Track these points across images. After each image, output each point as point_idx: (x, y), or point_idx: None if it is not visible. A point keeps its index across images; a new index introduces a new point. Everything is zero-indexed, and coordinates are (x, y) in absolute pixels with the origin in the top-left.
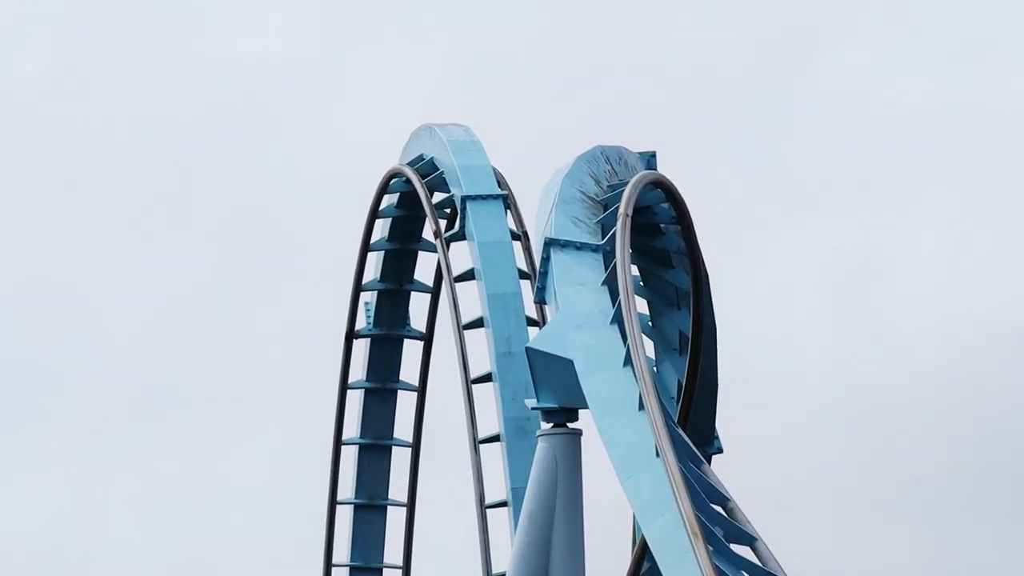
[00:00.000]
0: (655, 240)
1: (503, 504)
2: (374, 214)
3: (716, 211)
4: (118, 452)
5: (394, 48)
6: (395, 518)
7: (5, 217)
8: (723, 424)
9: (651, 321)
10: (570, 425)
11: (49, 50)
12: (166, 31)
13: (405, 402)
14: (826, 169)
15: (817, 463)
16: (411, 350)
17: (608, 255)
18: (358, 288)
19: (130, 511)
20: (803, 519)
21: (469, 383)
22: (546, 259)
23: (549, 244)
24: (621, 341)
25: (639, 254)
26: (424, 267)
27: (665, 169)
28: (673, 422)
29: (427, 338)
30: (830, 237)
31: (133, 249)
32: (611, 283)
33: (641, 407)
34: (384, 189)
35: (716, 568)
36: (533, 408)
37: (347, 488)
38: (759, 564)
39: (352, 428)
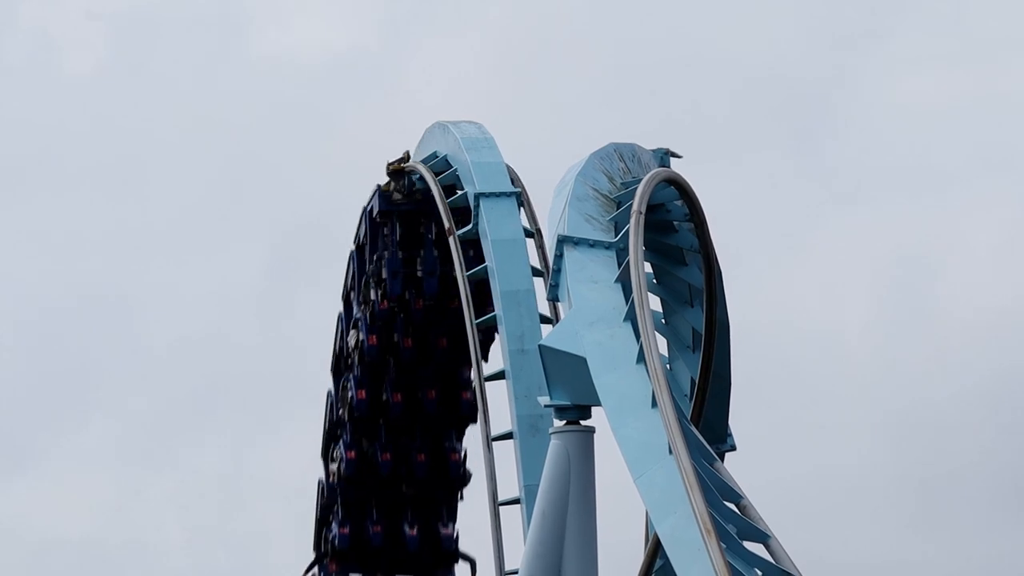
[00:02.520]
0: (668, 237)
1: (516, 501)
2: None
3: (759, 207)
4: (160, 448)
5: (408, 47)
6: None
7: (57, 214)
8: (738, 422)
9: (664, 318)
10: (583, 422)
11: (104, 48)
12: (219, 28)
13: None
14: (874, 164)
15: (840, 463)
16: None
17: (621, 252)
18: None
19: (171, 507)
20: (817, 517)
21: (482, 380)
22: (559, 256)
23: (562, 241)
24: (634, 338)
25: (652, 251)
26: None
27: (699, 165)
28: (686, 419)
29: None
30: (881, 233)
31: (182, 246)
32: (624, 280)
33: (654, 404)
34: None
35: (729, 565)
36: (546, 405)
37: None
38: (772, 562)
39: None
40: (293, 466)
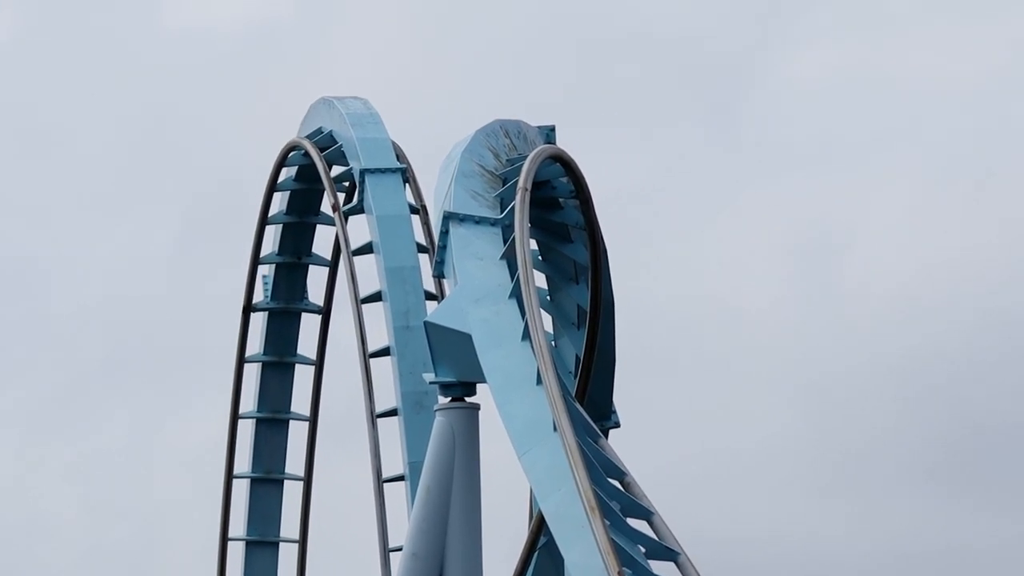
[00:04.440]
0: (554, 214)
1: (400, 478)
2: (272, 187)
3: (668, 180)
4: (63, 419)
5: (321, 19)
6: (292, 492)
7: None
8: (641, 398)
9: (549, 295)
10: (468, 399)
11: (15, 17)
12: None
13: (303, 376)
14: (784, 139)
15: (748, 439)
16: (309, 324)
17: (507, 229)
18: (256, 261)
19: (72, 481)
20: (718, 493)
21: (367, 357)
22: (445, 233)
23: (448, 218)
24: (519, 315)
25: (538, 228)
26: (322, 240)
27: (609, 137)
28: (571, 397)
29: (325, 312)
30: (789, 209)
31: (90, 212)
32: (510, 257)
33: (539, 382)
34: (282, 162)
35: (613, 542)
36: (431, 382)
37: (244, 462)
38: (655, 538)
39: (249, 402)
40: (200, 438)
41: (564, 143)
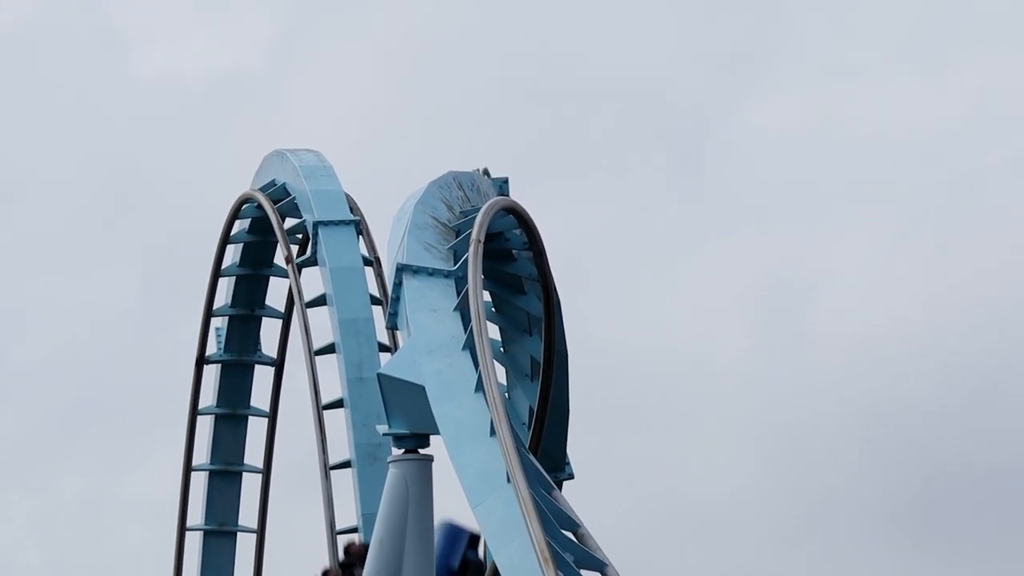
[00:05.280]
0: (507, 266)
1: (354, 530)
2: (225, 239)
3: (634, 228)
4: (24, 468)
5: (291, 70)
6: (245, 544)
7: None
8: (603, 447)
9: (503, 347)
10: (421, 451)
11: None
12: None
13: (256, 428)
14: (748, 188)
15: (712, 488)
16: (262, 376)
17: (460, 281)
18: (209, 313)
19: (33, 529)
20: (665, 542)
21: (320, 409)
22: (398, 285)
23: (401, 270)
24: (473, 367)
25: (491, 280)
26: (276, 293)
27: (577, 185)
28: (524, 448)
29: (278, 364)
30: (754, 258)
31: (56, 262)
32: (463, 309)
33: (492, 433)
34: (236, 214)
35: None
36: (384, 434)
37: (197, 514)
38: None
39: (202, 454)
40: (154, 491)
41: (523, 196)
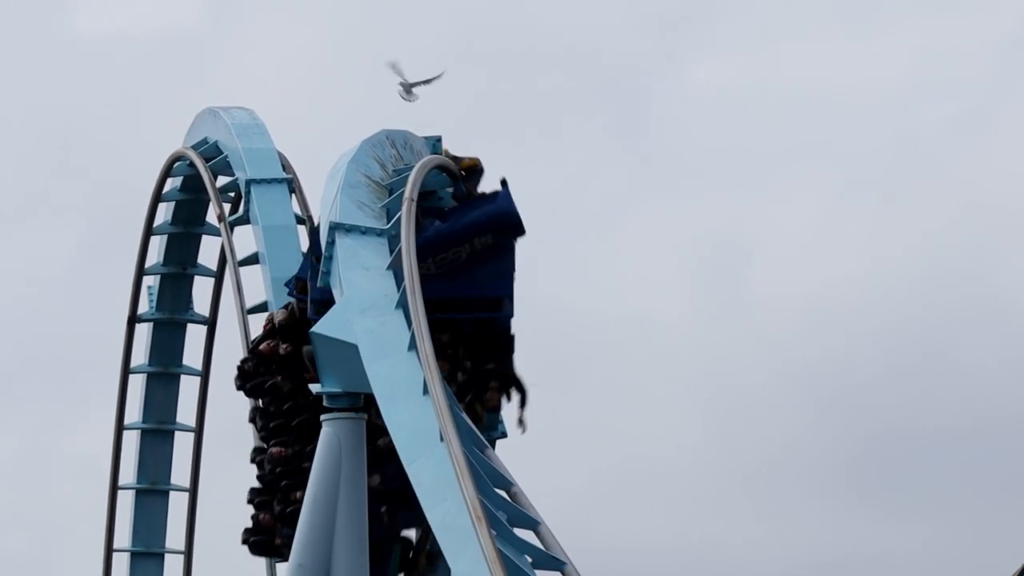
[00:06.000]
0: None
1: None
2: (157, 197)
3: (576, 189)
4: None
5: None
6: (178, 503)
7: None
8: (543, 409)
9: None
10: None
11: None
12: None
13: (188, 386)
14: (690, 149)
15: (655, 449)
16: (195, 334)
17: (393, 240)
18: (140, 272)
19: None
20: (611, 504)
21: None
22: (331, 243)
23: (334, 228)
24: (406, 326)
25: None
26: (208, 251)
27: (521, 145)
28: (458, 407)
29: (211, 322)
30: (695, 219)
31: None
32: (396, 268)
33: (425, 392)
34: (167, 172)
35: (499, 552)
36: (317, 392)
37: (129, 473)
38: (542, 548)
39: (135, 413)
40: (87, 450)
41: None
